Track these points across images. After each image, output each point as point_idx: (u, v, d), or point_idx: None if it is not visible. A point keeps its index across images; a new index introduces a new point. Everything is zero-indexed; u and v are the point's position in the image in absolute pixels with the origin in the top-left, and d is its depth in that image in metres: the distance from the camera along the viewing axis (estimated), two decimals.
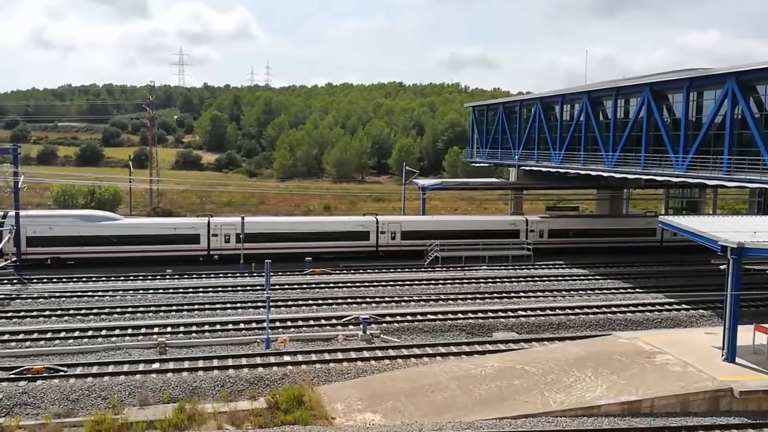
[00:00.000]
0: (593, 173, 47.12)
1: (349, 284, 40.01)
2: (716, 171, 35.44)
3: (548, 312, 34.52)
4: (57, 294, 36.61)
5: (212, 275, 41.90)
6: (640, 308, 35.42)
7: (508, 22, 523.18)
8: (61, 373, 24.74)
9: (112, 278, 40.71)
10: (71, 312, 33.15)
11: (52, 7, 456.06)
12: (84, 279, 40.36)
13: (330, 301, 36.01)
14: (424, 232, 48.96)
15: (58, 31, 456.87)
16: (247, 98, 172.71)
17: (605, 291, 39.74)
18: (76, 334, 29.84)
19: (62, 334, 29.72)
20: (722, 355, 24.63)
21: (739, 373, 23.23)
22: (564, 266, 46.64)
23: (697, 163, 36.70)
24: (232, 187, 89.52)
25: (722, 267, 24.65)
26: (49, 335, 29.53)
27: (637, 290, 39.73)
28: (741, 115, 34.34)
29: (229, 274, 42.19)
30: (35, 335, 29.47)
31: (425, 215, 56.95)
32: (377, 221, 48.81)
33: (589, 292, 39.49)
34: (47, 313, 32.96)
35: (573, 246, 50.96)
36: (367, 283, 40.27)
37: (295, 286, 39.27)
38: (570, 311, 34.72)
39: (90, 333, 29.96)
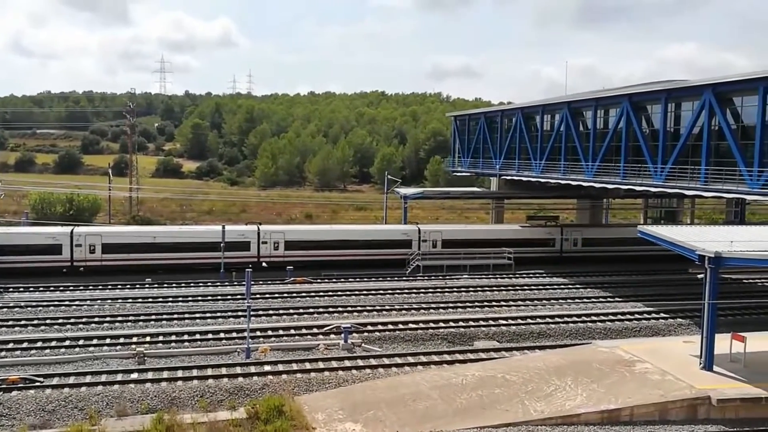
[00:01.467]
0: (573, 183, 47.50)
1: (330, 293, 39.89)
2: (694, 181, 35.88)
3: (529, 321, 34.67)
4: (33, 303, 36.09)
5: (192, 284, 41.56)
6: (620, 317, 35.68)
7: (491, 33, 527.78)
8: (37, 384, 24.37)
9: (90, 287, 40.23)
10: (48, 321, 32.69)
11: (33, 13, 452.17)
12: (61, 288, 39.83)
13: (311, 310, 35.87)
14: (309, 242, 47.18)
15: (38, 38, 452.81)
16: (229, 106, 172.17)
17: (585, 300, 40.00)
18: (53, 343, 29.41)
19: (38, 344, 29.27)
20: (700, 364, 24.87)
21: (717, 382, 23.47)
22: (544, 275, 46.89)
23: (675, 174, 37.14)
24: (213, 196, 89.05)
25: (699, 276, 24.90)
26: (25, 345, 29.07)
27: (617, 299, 40.04)
28: (718, 127, 34.83)
29: (209, 284, 41.89)
30: (11, 345, 28.97)
31: (316, 225, 56.10)
32: (258, 231, 46.53)
33: (569, 301, 39.72)
34: (23, 322, 32.46)
35: (447, 257, 48.77)
36: (348, 292, 40.18)
37: (276, 295, 39.07)
38: (550, 320, 34.89)
39: (67, 343, 29.54)
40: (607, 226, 58.86)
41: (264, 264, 45.26)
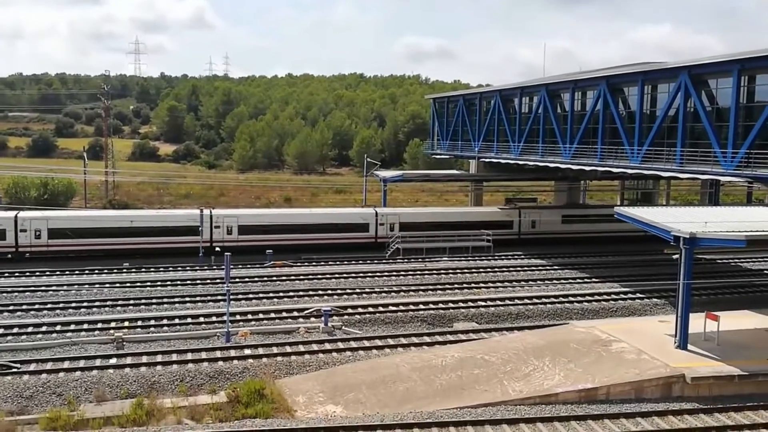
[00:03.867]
0: (551, 165, 47.80)
1: (310, 276, 39.89)
2: (670, 163, 36.27)
3: (507, 302, 35.00)
4: (9, 289, 35.63)
5: (170, 268, 41.28)
6: (596, 298, 36.15)
7: (467, 14, 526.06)
8: (14, 370, 24.15)
9: (67, 272, 39.80)
10: (24, 307, 32.33)
11: None
12: (37, 273, 39.36)
13: (291, 293, 35.86)
14: (264, 226, 46.28)
15: (5, 18, 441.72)
16: (206, 88, 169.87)
17: (563, 281, 40.45)
18: (30, 329, 29.12)
19: (15, 330, 28.97)
20: (675, 343, 25.33)
21: (691, 360, 23.93)
22: (523, 257, 47.28)
23: (651, 156, 37.52)
24: (191, 179, 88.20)
25: (675, 256, 25.27)
26: (0, 331, 28.74)
27: (594, 280, 40.54)
28: (693, 109, 35.19)
29: (188, 267, 41.64)
30: None
31: (271, 209, 55.59)
32: (211, 216, 45.63)
33: (546, 282, 40.13)
34: None
35: (426, 239, 48.43)
36: (328, 275, 40.20)
37: (256, 279, 38.97)
38: (528, 301, 35.26)
39: (44, 328, 29.28)
40: (567, 207, 57.43)
41: (217, 249, 43.16)
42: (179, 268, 41.34)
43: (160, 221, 45.00)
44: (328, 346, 27.62)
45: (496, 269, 43.48)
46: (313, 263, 43.84)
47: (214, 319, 30.94)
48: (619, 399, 22.20)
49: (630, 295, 36.64)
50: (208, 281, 38.26)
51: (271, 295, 35.49)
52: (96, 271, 40.12)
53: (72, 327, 29.58)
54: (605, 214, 51.74)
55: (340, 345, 27.74)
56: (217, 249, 44.09)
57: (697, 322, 25.78)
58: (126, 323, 30.24)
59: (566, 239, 52.19)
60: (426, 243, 47.64)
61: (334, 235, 47.44)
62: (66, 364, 24.87)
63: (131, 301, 33.83)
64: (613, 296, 36.59)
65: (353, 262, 44.46)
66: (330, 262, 44.09)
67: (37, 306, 32.56)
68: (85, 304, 33.20)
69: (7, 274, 38.82)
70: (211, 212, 46.39)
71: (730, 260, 47.75)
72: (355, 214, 49.38)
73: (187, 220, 44.88)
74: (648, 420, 20.68)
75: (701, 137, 34.82)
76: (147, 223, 44.83)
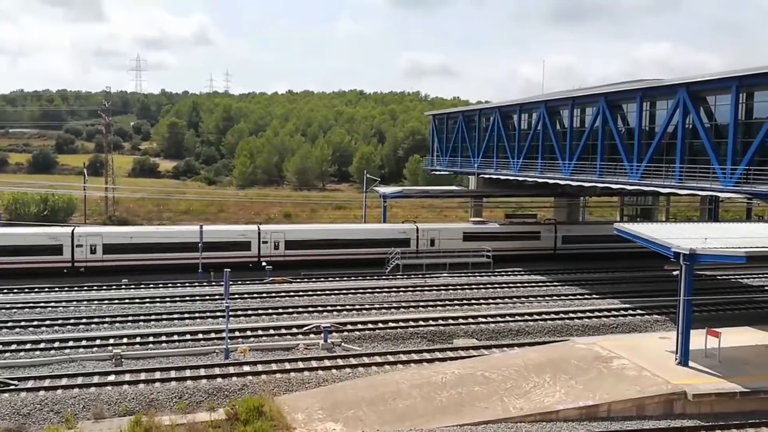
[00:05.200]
0: (550, 181, 47.88)
1: (309, 292, 39.79)
2: (669, 179, 36.36)
3: (507, 318, 34.88)
4: (7, 305, 35.53)
5: (170, 285, 41.20)
6: (597, 314, 36.06)
7: (467, 31, 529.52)
8: (12, 387, 24.01)
9: (65, 288, 39.70)
10: (22, 324, 32.20)
11: (1, 9, 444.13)
12: (36, 290, 39.26)
13: (290, 309, 35.76)
14: (127, 245, 44.09)
15: (8, 35, 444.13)
16: (206, 105, 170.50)
17: (563, 297, 40.36)
18: (28, 346, 28.98)
19: (13, 347, 28.83)
20: (676, 359, 25.22)
21: (692, 377, 23.82)
22: (523, 273, 47.20)
23: (650, 172, 37.60)
24: (191, 195, 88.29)
25: (675, 273, 25.22)
26: None
27: (594, 296, 40.44)
28: (692, 125, 35.32)
29: (187, 284, 41.55)
30: None
31: (134, 227, 53.25)
32: (72, 234, 43.76)
33: (547, 298, 40.04)
34: None
35: (313, 258, 46.73)
36: (327, 291, 40.11)
37: (255, 295, 38.87)
38: (529, 317, 35.14)
39: (42, 345, 29.14)
40: (473, 223, 54.10)
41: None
42: (178, 285, 41.25)
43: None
44: (327, 362, 27.49)
45: (496, 285, 43.39)
46: (312, 279, 43.76)
47: (213, 335, 30.80)
48: (620, 416, 22.07)
49: (630, 312, 36.54)
50: (207, 297, 38.15)
51: (270, 311, 35.37)
52: (95, 288, 40.01)
53: (70, 343, 29.44)
54: (515, 232, 51.91)
55: (340, 362, 27.61)
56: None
57: (698, 339, 25.68)
58: (124, 340, 30.12)
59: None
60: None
61: (218, 254, 44.28)
62: (64, 381, 24.74)
63: (130, 318, 33.72)
64: (614, 312, 36.49)
65: (353, 278, 44.38)
66: (330, 278, 44.00)
67: (35, 322, 32.43)
68: (83, 320, 33.08)
69: (5, 291, 38.71)
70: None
71: (731, 276, 47.68)
72: (236, 232, 47.05)
73: (49, 240, 43.39)
74: None
75: (700, 153, 34.94)
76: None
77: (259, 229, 47.00)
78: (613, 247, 51.66)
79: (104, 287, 40.20)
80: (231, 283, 29.49)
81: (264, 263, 45.18)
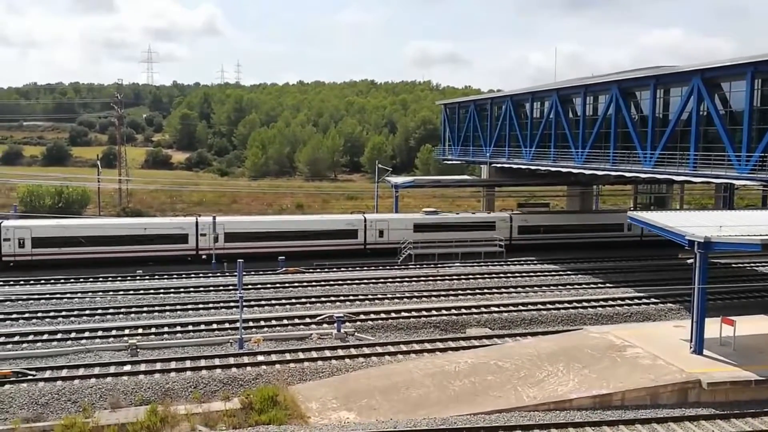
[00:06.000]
0: (563, 170, 47.62)
1: (322, 283, 39.92)
2: (683, 167, 36.06)
3: (520, 308, 34.82)
4: (24, 296, 35.93)
5: (183, 275, 41.48)
6: (611, 303, 35.92)
7: (476, 19, 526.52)
8: (30, 377, 24.31)
9: (81, 279, 40.07)
10: (39, 315, 32.57)
11: (10, 2, 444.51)
12: (52, 281, 39.66)
13: (303, 299, 35.90)
14: (55, 239, 42.96)
15: (17, 27, 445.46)
16: (218, 96, 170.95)
17: (576, 286, 40.23)
18: (45, 337, 29.33)
19: (30, 338, 29.19)
20: (690, 348, 25.10)
21: (707, 365, 23.70)
22: (536, 262, 47.09)
23: (664, 160, 37.31)
24: (204, 186, 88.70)
25: (689, 261, 25.08)
26: (16, 338, 28.97)
27: (607, 285, 40.28)
28: (706, 112, 34.98)
29: (201, 274, 41.81)
30: (2, 339, 28.87)
31: (78, 220, 50.24)
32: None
33: (560, 287, 39.92)
34: (14, 316, 32.36)
35: (254, 251, 44.66)
36: (340, 282, 40.23)
37: (269, 286, 39.06)
38: (542, 306, 35.07)
39: (59, 336, 29.46)
40: (426, 214, 51.78)
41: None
42: (192, 275, 41.51)
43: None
44: (341, 352, 27.61)
45: (509, 274, 43.32)
46: (325, 269, 43.89)
47: (227, 325, 31.01)
48: (634, 405, 22.02)
49: (644, 300, 36.37)
50: (221, 288, 38.38)
51: (283, 301, 35.55)
52: (110, 279, 40.37)
53: (87, 334, 29.74)
54: (468, 223, 50.41)
55: (353, 351, 27.72)
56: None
57: (713, 327, 25.54)
58: (140, 330, 30.40)
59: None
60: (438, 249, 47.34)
61: (149, 247, 43.87)
62: (81, 372, 25.02)
63: (145, 308, 33.99)
64: (627, 301, 36.34)
65: (365, 268, 44.47)
66: (342, 268, 44.11)
67: (52, 314, 32.79)
68: (99, 311, 33.40)
69: (22, 282, 39.15)
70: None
71: (746, 264, 47.33)
72: (173, 224, 45.98)
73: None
74: (664, 426, 20.50)
75: (715, 141, 34.61)
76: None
77: (197, 221, 45.59)
78: (578, 237, 51.60)
79: (119, 278, 40.53)
80: (244, 273, 29.65)
81: (204, 256, 44.80)
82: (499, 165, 56.76)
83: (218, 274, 41.99)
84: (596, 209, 64.39)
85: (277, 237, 46.30)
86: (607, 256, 49.12)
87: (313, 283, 39.69)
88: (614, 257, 48.91)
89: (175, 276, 41.32)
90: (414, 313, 33.35)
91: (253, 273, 40.93)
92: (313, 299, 36.00)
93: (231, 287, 37.26)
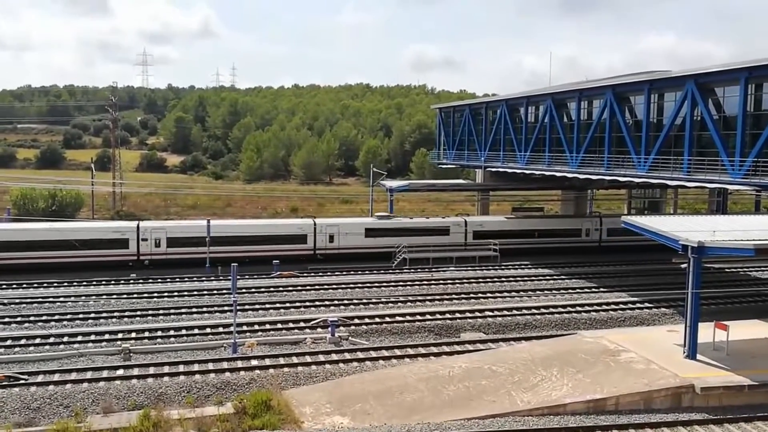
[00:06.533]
0: (558, 174, 47.71)
1: (316, 287, 39.86)
2: (677, 172, 36.15)
3: (515, 312, 34.85)
4: (17, 300, 35.74)
5: (177, 279, 41.36)
6: (604, 307, 35.96)
7: (471, 23, 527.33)
8: (22, 382, 24.16)
9: (74, 283, 39.90)
10: (32, 318, 32.40)
11: (5, 4, 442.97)
12: (45, 285, 39.47)
13: (297, 303, 35.83)
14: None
15: (11, 29, 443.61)
16: (213, 99, 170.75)
17: (570, 290, 40.27)
18: (37, 341, 29.17)
19: (22, 342, 29.02)
20: (684, 353, 25.14)
21: (701, 370, 23.75)
22: (530, 266, 47.13)
23: (658, 164, 37.40)
24: (198, 190, 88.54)
25: (683, 266, 25.14)
26: (8, 342, 28.79)
27: (601, 289, 40.34)
28: (700, 117, 35.09)
29: (195, 278, 41.69)
30: None
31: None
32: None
33: (554, 291, 39.96)
34: (6, 320, 32.17)
35: (198, 257, 44.28)
36: (335, 286, 40.17)
37: (263, 290, 38.97)
38: (536, 311, 35.10)
39: (51, 340, 29.31)
40: (378, 218, 51.23)
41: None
42: (186, 279, 41.40)
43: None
44: (334, 356, 27.55)
45: (503, 279, 43.35)
46: (319, 273, 43.83)
47: (220, 329, 30.92)
48: (628, 410, 22.02)
49: (638, 305, 36.43)
50: (215, 292, 38.28)
51: (277, 305, 35.47)
52: (103, 282, 40.21)
53: (79, 338, 29.60)
54: (422, 228, 49.86)
55: (347, 356, 27.66)
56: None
57: (706, 332, 25.60)
58: (133, 334, 30.27)
59: (371, 255, 47.55)
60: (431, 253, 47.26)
61: (89, 252, 43.25)
62: (73, 376, 24.88)
63: (138, 312, 33.86)
64: (621, 306, 36.39)
65: (359, 272, 44.42)
66: (336, 273, 44.06)
67: (44, 317, 32.63)
68: (92, 315, 33.25)
69: (15, 286, 38.96)
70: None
71: (739, 269, 47.46)
72: (111, 229, 45.11)
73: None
74: (657, 431, 20.51)
75: (708, 146, 34.71)
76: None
77: (138, 225, 44.99)
78: (534, 242, 51.38)
79: (112, 282, 40.37)
80: (238, 277, 29.57)
81: (146, 261, 44.38)
82: (493, 169, 56.81)
83: (212, 278, 41.86)
84: (555, 214, 64.69)
85: (224, 242, 45.06)
86: (603, 261, 49.18)
87: (307, 287, 39.62)
88: (609, 262, 49.00)
89: (168, 280, 41.23)
90: (408, 318, 33.31)
91: (246, 276, 40.82)
92: (307, 303, 35.93)
93: (225, 291, 37.14)
